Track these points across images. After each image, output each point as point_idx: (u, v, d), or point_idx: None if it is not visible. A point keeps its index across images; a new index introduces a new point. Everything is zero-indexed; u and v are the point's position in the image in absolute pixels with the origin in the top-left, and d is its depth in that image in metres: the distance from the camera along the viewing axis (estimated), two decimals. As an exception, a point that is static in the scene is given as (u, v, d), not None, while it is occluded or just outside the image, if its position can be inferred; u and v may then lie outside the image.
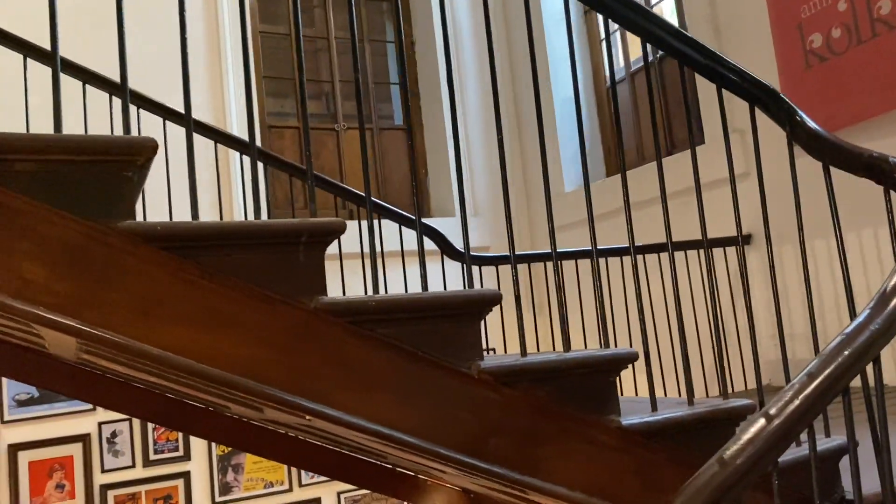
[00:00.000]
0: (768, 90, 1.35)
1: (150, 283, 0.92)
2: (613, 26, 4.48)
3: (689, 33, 3.73)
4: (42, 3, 1.30)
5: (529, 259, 2.86)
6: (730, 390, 1.52)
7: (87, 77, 2.54)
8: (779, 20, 2.98)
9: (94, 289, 0.90)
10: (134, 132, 1.41)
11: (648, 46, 1.33)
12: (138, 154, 0.92)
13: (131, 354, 0.91)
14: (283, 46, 4.64)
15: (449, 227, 4.51)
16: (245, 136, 4.08)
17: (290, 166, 2.89)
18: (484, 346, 3.42)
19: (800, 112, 1.33)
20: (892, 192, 1.20)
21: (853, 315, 1.04)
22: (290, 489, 3.85)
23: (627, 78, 4.26)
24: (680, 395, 3.06)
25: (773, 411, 0.90)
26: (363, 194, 1.20)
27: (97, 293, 0.90)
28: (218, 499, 3.76)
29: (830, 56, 2.78)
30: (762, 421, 0.89)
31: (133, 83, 1.16)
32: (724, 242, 3.05)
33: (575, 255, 2.95)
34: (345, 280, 2.90)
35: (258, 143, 4.16)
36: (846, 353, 0.93)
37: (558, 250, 1.39)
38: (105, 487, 3.56)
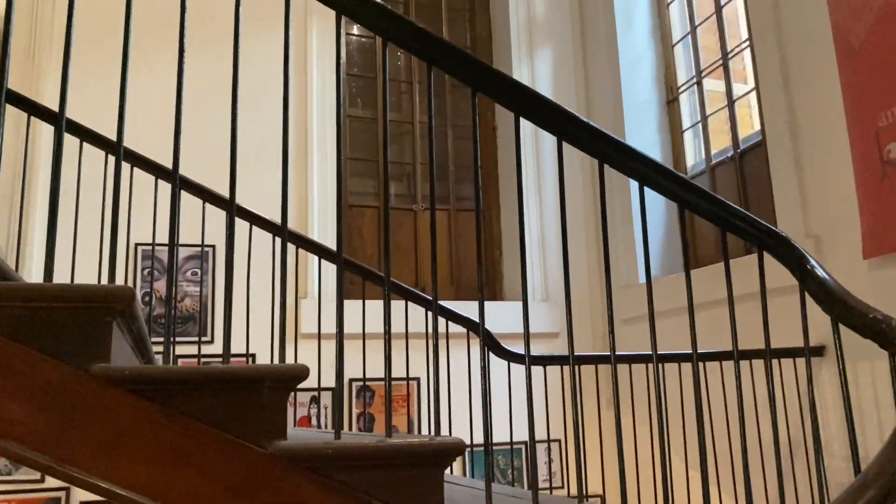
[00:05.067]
0: (778, 236, 1.31)
1: (117, 423, 0.99)
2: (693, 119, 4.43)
3: (767, 139, 3.64)
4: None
5: (580, 361, 2.80)
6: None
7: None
8: (855, 127, 2.88)
9: (66, 426, 0.97)
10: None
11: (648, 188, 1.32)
12: (116, 302, 1.00)
13: (95, 492, 0.98)
14: (370, 129, 4.85)
15: (519, 309, 4.51)
16: (325, 215, 4.27)
17: (322, 250, 2.98)
18: (545, 438, 3.33)
19: (811, 259, 1.28)
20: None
21: None
22: None
23: (708, 171, 4.18)
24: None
25: None
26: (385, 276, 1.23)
27: (68, 430, 0.97)
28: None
29: (908, 167, 2.65)
30: None
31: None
32: (792, 353, 2.91)
33: (630, 360, 2.87)
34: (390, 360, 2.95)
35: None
36: None
37: (618, 353, 1.37)
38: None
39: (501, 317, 4.41)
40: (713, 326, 3.51)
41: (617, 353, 1.43)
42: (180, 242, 3.77)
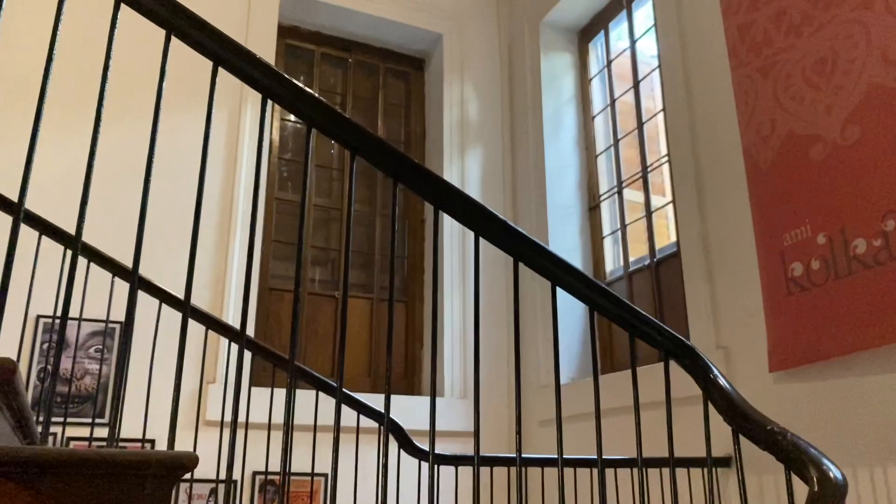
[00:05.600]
0: (683, 345, 1.33)
1: (-27, 510, 0.90)
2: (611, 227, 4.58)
3: (682, 251, 3.75)
4: None
5: (490, 462, 2.75)
6: None
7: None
8: (763, 245, 3.02)
9: (-88, 511, 0.88)
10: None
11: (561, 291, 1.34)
12: (-10, 375, 0.93)
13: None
14: (297, 213, 4.83)
15: (437, 407, 4.45)
16: (241, 295, 4.18)
17: (228, 330, 2.88)
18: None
19: (714, 370, 1.31)
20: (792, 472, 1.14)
21: None
22: None
23: (625, 278, 4.30)
24: None
25: None
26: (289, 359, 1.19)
27: (-86, 516, 0.88)
28: None
29: (810, 286, 2.79)
30: None
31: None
32: (699, 462, 2.93)
33: (541, 463, 2.84)
34: (290, 451, 2.83)
35: (254, 305, 4.23)
36: None
37: (524, 455, 1.34)
38: None
39: (419, 412, 4.33)
40: (632, 431, 3.52)
41: (526, 455, 1.41)
42: (86, 317, 3.60)
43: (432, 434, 1.21)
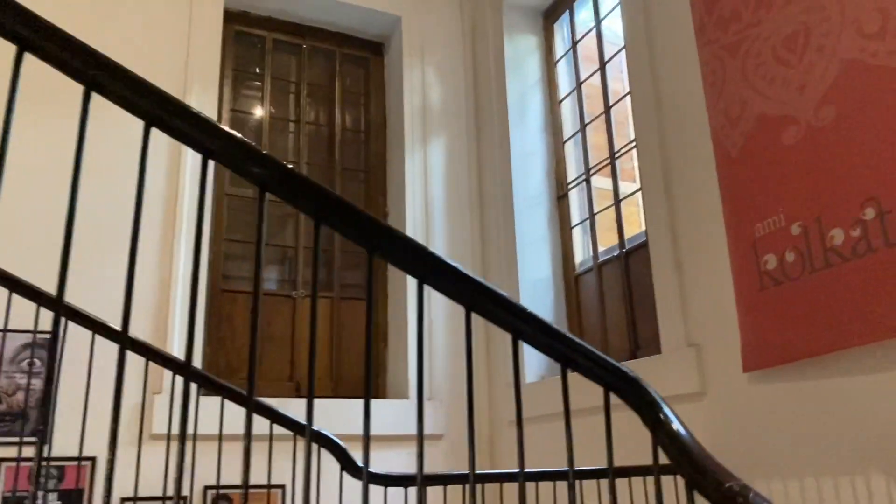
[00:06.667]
0: (627, 377, 1.11)
1: None
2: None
3: (650, 241, 3.51)
4: None
5: (445, 481, 2.53)
6: None
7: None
8: (734, 236, 2.81)
9: None
10: None
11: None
12: None
13: None
14: (249, 209, 4.57)
15: (402, 409, 4.23)
16: (188, 302, 3.92)
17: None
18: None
19: (665, 408, 1.08)
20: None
21: None
22: None
23: (595, 269, 4.08)
24: None
25: None
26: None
27: None
28: None
29: (785, 280, 2.58)
30: None
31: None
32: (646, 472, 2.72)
33: (444, 481, 2.59)
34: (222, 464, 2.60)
35: (202, 306, 3.98)
36: None
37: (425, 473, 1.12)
38: None
39: (383, 416, 4.11)
40: (594, 434, 3.30)
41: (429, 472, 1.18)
42: (16, 328, 3.34)
43: (366, 446, 0.98)
